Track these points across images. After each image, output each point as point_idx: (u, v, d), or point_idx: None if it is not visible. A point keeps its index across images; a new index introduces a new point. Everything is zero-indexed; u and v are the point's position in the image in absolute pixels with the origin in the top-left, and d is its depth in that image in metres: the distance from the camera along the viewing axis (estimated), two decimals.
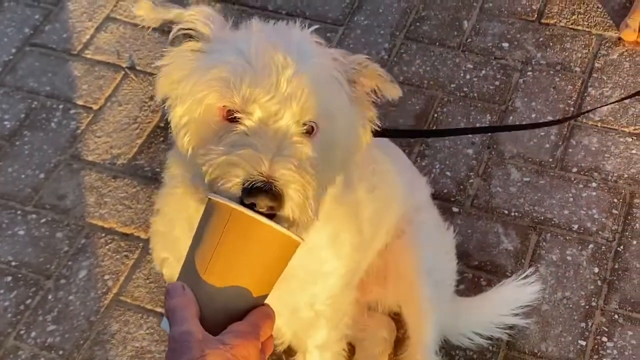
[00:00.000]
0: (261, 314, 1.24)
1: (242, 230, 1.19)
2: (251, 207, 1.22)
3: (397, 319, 2.26)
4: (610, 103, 2.56)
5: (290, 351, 2.04)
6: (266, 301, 1.68)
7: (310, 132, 1.34)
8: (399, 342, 2.25)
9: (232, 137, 1.31)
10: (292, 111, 1.31)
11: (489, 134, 2.66)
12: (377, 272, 2.10)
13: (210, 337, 1.17)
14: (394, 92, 1.53)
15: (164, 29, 1.48)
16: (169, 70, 1.45)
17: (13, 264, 2.43)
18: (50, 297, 2.36)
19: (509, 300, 2.24)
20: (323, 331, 1.88)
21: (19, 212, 2.55)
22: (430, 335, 2.13)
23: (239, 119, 1.30)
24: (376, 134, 1.71)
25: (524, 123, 2.63)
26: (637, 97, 2.66)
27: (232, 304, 1.22)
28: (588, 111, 2.62)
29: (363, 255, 1.95)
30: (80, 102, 2.82)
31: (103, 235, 2.43)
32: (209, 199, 1.23)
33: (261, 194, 1.22)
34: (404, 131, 2.55)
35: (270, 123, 1.30)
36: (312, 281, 1.73)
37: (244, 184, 1.24)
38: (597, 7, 2.97)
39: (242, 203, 1.23)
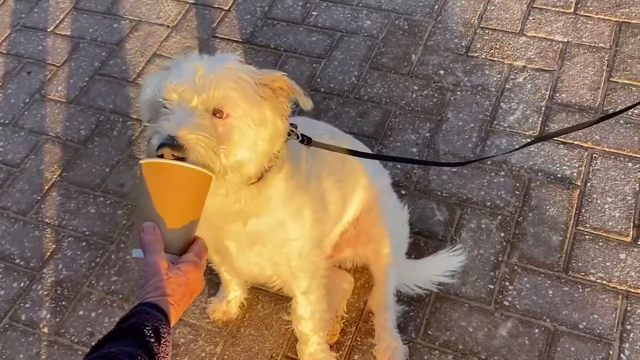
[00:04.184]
0: (202, 246, 1.37)
1: (156, 171, 1.31)
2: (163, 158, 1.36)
3: (358, 272, 2.42)
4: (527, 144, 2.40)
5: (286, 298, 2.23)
6: (255, 262, 1.89)
7: (217, 114, 1.47)
8: (363, 288, 2.41)
9: (160, 116, 1.47)
10: (201, 98, 1.46)
11: (428, 137, 2.86)
12: (348, 237, 2.25)
13: (172, 265, 1.29)
14: (304, 101, 1.61)
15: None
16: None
17: (87, 233, 2.70)
18: (113, 257, 2.61)
19: (442, 266, 2.43)
20: (304, 281, 2.01)
21: (90, 196, 2.82)
22: (391, 281, 2.30)
23: (166, 105, 1.49)
24: (350, 152, 1.91)
25: (453, 161, 2.70)
26: (536, 110, 2.84)
27: (181, 236, 1.34)
28: (491, 156, 2.69)
29: (328, 227, 2.06)
30: (134, 116, 3.10)
31: None
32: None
33: (165, 147, 1.36)
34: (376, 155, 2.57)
35: (184, 105, 1.46)
36: (282, 245, 1.87)
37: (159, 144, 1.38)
38: (509, 43, 3.22)
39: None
